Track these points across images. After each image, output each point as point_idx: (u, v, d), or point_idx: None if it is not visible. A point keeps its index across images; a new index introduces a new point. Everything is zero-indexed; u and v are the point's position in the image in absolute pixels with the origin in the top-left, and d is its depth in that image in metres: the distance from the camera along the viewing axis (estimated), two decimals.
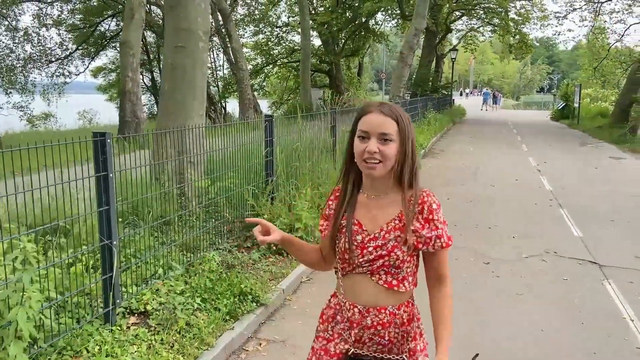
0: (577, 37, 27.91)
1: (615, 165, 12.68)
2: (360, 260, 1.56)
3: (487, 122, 27.53)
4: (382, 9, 27.96)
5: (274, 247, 4.94)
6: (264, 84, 36.76)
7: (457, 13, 30.24)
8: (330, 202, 1.72)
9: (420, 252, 1.61)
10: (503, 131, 22.08)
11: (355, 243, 1.57)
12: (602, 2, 24.63)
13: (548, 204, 8.11)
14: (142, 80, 25.96)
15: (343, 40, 31.68)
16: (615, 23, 25.54)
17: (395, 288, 1.56)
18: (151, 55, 29.12)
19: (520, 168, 11.73)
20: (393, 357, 1.60)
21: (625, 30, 24.32)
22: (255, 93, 34.89)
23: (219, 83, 33.68)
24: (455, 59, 33.56)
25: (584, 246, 5.92)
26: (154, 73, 29.62)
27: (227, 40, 22.22)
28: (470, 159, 13.11)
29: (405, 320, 1.59)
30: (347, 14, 30.05)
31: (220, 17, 21.58)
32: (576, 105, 25.71)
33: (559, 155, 14.06)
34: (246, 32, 33.35)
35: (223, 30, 22.45)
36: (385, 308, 1.57)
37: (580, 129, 22.41)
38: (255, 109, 28.39)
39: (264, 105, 33.98)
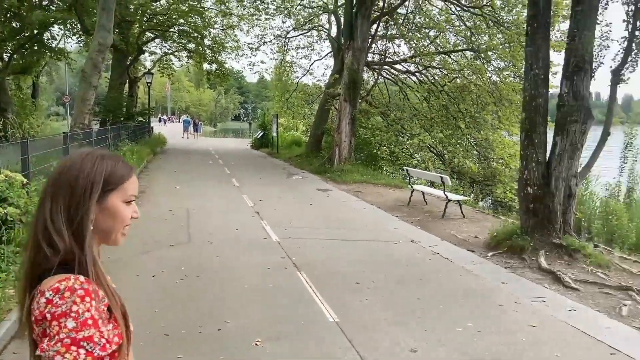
0: (269, 69, 29.59)
1: (325, 199, 12.35)
2: None
3: (190, 152, 25.85)
4: (58, 20, 23.30)
5: None
6: None
7: (150, 34, 27.84)
8: (93, 302, 1.13)
9: None
10: (209, 162, 20.65)
11: None
12: (289, 38, 26.12)
13: (282, 267, 6.46)
14: None
15: (9, 55, 25.30)
16: (301, 58, 27.49)
17: None
18: None
19: (238, 211, 10.07)
20: None
21: (310, 66, 26.17)
22: None
23: None
24: (150, 83, 30.96)
25: (347, 340, 4.31)
26: None
27: None
28: (179, 201, 10.83)
29: None
30: (14, 23, 24.06)
31: None
32: (274, 134, 26.46)
33: (272, 190, 13.12)
34: None
35: None
36: None
37: (281, 159, 22.81)
38: None
39: None
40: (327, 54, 25.51)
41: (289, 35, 25.87)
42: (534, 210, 7.17)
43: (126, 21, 22.89)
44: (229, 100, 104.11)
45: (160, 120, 63.09)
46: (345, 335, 4.42)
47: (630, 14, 6.80)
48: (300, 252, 7.12)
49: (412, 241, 8.08)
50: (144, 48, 28.12)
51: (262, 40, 26.31)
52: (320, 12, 25.07)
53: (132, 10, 22.94)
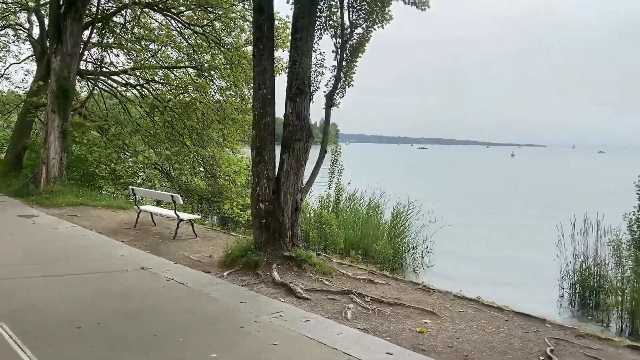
0: None
1: (30, 227, 10.35)
2: None
3: None
4: None
5: None
6: None
7: None
8: None
9: None
10: None
11: None
12: None
13: None
14: None
15: None
16: None
17: None
18: None
19: None
20: None
21: (6, 70, 21.84)
22: None
23: None
24: None
25: None
26: None
27: None
28: None
29: None
30: None
31: None
32: None
33: None
34: None
35: None
36: None
37: None
38: None
39: None
40: (27, 57, 21.83)
41: None
42: (267, 225, 7.36)
43: None
44: None
45: None
46: None
47: (338, 46, 7.69)
48: (7, 300, 5.62)
49: (142, 268, 7.33)
50: None
51: None
52: (18, 8, 21.36)
53: None
